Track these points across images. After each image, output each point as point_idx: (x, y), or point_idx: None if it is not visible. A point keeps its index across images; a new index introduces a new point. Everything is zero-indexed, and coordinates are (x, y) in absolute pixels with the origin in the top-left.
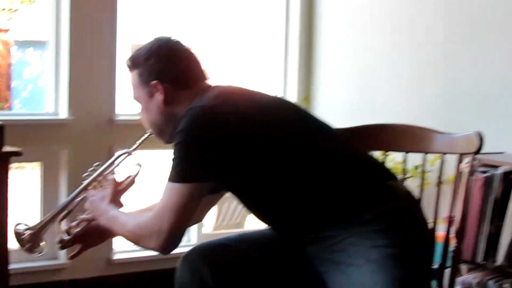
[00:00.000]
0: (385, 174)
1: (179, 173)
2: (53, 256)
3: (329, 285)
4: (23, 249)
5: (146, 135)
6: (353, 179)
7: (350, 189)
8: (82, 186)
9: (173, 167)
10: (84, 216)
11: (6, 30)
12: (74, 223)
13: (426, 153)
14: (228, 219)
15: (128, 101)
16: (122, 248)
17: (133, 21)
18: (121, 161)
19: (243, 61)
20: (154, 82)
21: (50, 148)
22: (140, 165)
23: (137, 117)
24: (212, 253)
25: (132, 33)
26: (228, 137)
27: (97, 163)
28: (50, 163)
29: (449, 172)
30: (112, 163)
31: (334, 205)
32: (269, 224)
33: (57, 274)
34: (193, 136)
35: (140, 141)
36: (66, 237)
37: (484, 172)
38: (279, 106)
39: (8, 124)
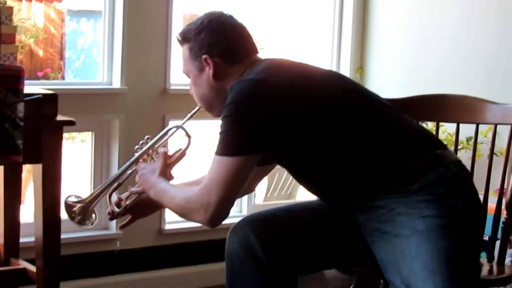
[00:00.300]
0: (434, 143)
1: (227, 147)
2: (104, 227)
3: (376, 255)
4: (74, 222)
5: (196, 109)
6: (402, 148)
7: (398, 158)
8: (132, 159)
9: (221, 141)
10: (134, 189)
11: (60, 0)
12: (124, 196)
13: (478, 124)
14: (279, 190)
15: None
16: (173, 219)
17: None
18: (171, 135)
19: (296, 33)
20: (204, 56)
21: (103, 118)
22: (190, 137)
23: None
24: (261, 223)
25: (186, 3)
26: (275, 109)
27: (147, 136)
28: (102, 133)
29: (502, 143)
30: (163, 136)
31: (383, 174)
32: (318, 194)
33: (108, 244)
34: (241, 109)
35: (190, 114)
36: (117, 210)
37: None
38: (330, 78)
39: (61, 93)
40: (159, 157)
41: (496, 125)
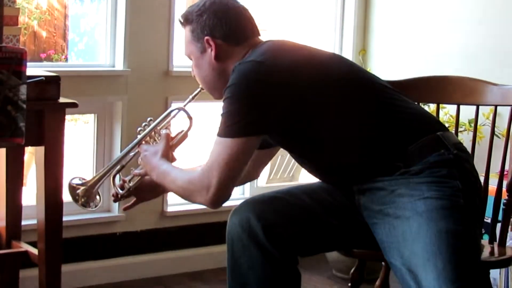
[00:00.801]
0: (435, 124)
1: (229, 128)
2: (106, 209)
3: (377, 236)
4: (78, 204)
5: (197, 91)
6: (402, 129)
7: (399, 139)
8: (135, 141)
9: (222, 122)
10: (137, 171)
11: None
12: (128, 178)
13: (478, 105)
14: (282, 172)
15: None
16: (175, 201)
17: None
18: (173, 116)
19: (298, 15)
20: (206, 38)
21: (105, 100)
22: (192, 119)
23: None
24: (261, 205)
25: None
26: (277, 91)
27: (150, 119)
28: (104, 115)
29: (504, 125)
30: (165, 118)
31: (383, 155)
32: (320, 176)
33: (111, 227)
34: (242, 91)
35: (191, 96)
36: (120, 192)
37: None
38: (332, 60)
39: (64, 75)
40: (162, 139)
41: (496, 106)
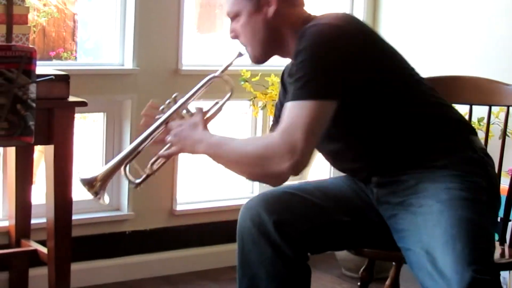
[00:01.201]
0: (467, 127)
1: (308, 90)
2: (116, 207)
3: (396, 227)
4: (91, 192)
5: (236, 56)
6: (437, 127)
7: (432, 136)
8: (163, 117)
9: (300, 86)
10: (165, 151)
11: None
12: (152, 160)
13: (491, 105)
14: None
15: (194, 51)
16: (185, 200)
17: None
18: (207, 85)
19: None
20: None
21: (114, 99)
22: (233, 88)
23: (205, 66)
24: (272, 200)
25: None
26: (351, 57)
27: (175, 94)
28: (113, 113)
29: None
30: (199, 89)
31: (414, 149)
32: (341, 163)
33: (120, 225)
34: (320, 52)
35: (229, 62)
36: (137, 181)
37: None
38: (394, 48)
39: (73, 74)
40: (196, 113)
41: (508, 107)
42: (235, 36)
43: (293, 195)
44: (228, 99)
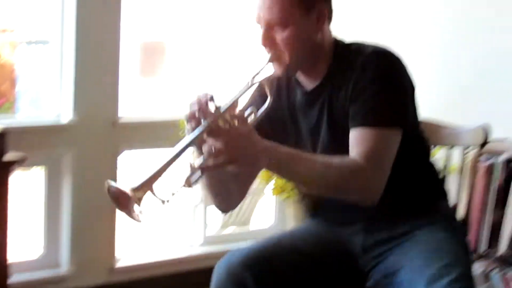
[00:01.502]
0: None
1: (391, 117)
2: (54, 265)
3: (382, 264)
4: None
5: (268, 60)
6: (435, 183)
7: (434, 193)
8: (203, 127)
9: (379, 111)
10: (211, 162)
11: (11, 30)
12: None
13: (433, 146)
14: (235, 216)
15: (131, 102)
16: (125, 255)
17: (141, 19)
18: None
19: None
20: (321, 6)
21: (54, 152)
22: (271, 96)
23: (144, 116)
24: (251, 258)
25: (143, 31)
26: (411, 89)
27: (207, 93)
28: (54, 167)
29: (453, 161)
30: (238, 97)
31: (416, 197)
32: (334, 205)
33: (59, 284)
34: (397, 80)
35: (263, 66)
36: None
37: (487, 159)
38: None
39: (11, 129)
40: (243, 120)
41: (450, 147)
42: (270, 45)
43: (270, 251)
44: (267, 107)
